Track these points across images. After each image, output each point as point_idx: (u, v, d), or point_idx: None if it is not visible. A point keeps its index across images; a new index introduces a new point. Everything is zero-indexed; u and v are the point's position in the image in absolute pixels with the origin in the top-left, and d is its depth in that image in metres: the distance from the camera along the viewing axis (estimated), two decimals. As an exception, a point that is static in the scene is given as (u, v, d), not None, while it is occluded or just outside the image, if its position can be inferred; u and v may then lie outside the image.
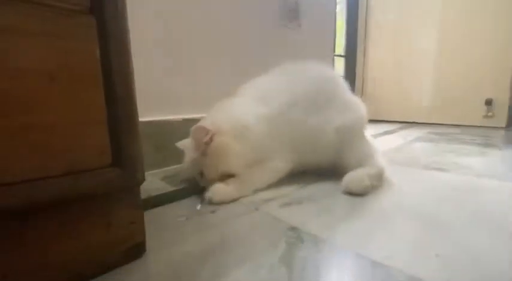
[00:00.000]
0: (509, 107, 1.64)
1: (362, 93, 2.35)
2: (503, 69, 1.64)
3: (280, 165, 0.65)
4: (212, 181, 0.59)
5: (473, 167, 0.79)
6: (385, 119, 2.21)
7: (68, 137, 0.27)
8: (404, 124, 2.02)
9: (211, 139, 0.58)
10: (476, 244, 0.39)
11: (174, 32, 0.85)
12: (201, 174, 0.62)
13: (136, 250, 0.37)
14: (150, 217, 0.50)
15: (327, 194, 0.60)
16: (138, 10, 0.74)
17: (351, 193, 0.58)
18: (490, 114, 1.71)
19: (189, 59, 0.90)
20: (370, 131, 1.66)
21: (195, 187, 0.65)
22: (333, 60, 1.64)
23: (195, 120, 0.91)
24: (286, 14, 1.20)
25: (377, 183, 0.62)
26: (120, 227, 0.34)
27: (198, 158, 0.60)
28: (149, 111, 0.81)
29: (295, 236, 0.42)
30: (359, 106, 0.71)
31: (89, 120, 0.29)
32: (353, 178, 0.60)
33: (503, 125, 1.68)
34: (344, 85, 0.73)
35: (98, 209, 0.31)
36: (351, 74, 2.33)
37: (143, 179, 0.34)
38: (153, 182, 0.70)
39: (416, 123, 2.03)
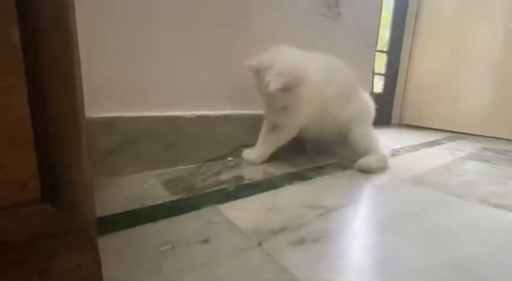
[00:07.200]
0: None
1: (404, 95, 2.10)
2: None
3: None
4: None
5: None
6: (429, 126, 1.96)
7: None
8: (451, 134, 1.76)
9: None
10: None
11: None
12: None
13: (88, 300, 0.28)
14: (132, 238, 0.42)
15: (351, 229, 0.47)
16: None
17: (362, 171, 0.80)
18: None
19: (209, 51, 0.81)
20: (410, 139, 1.46)
21: (199, 198, 0.57)
22: (374, 55, 1.45)
23: (210, 118, 0.82)
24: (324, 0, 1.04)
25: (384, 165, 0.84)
26: (61, 274, 0.26)
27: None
28: (157, 105, 0.73)
29: (301, 302, 0.31)
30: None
31: (3, 137, 0.20)
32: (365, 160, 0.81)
33: None
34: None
35: (25, 255, 0.23)
36: (392, 72, 2.09)
37: (94, 218, 0.25)
38: (152, 187, 0.63)
39: (468, 134, 1.76)
